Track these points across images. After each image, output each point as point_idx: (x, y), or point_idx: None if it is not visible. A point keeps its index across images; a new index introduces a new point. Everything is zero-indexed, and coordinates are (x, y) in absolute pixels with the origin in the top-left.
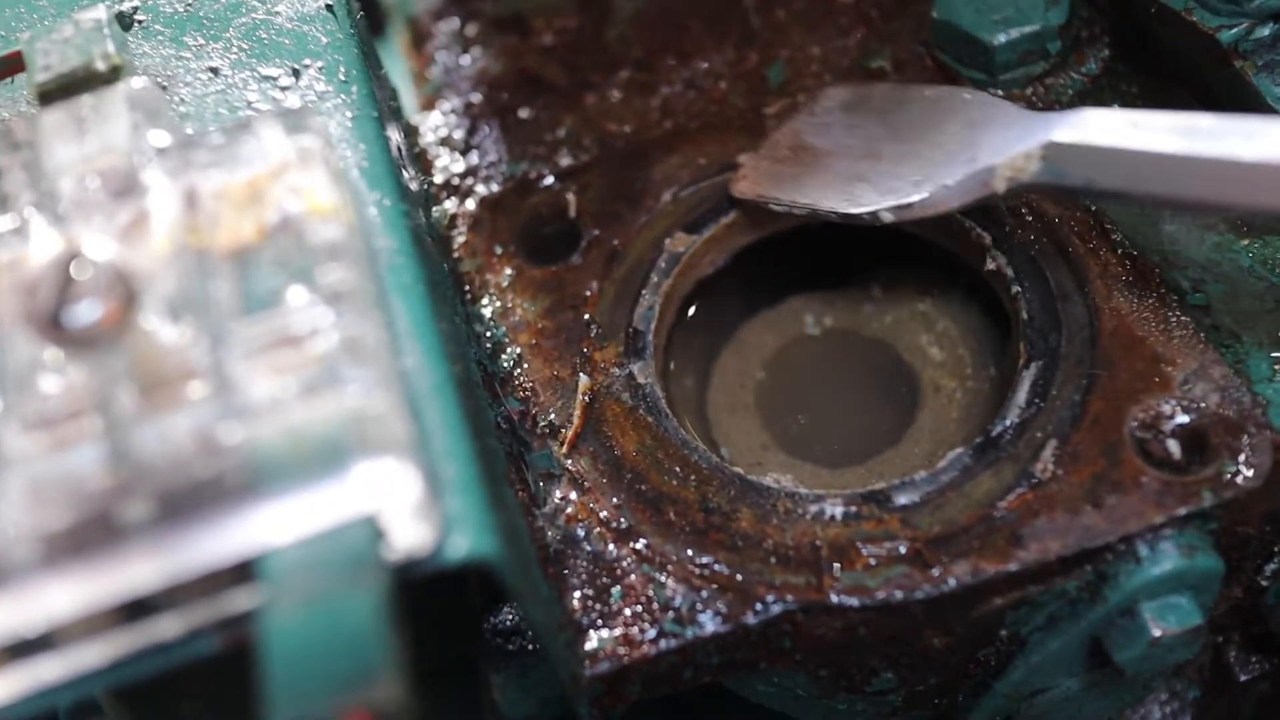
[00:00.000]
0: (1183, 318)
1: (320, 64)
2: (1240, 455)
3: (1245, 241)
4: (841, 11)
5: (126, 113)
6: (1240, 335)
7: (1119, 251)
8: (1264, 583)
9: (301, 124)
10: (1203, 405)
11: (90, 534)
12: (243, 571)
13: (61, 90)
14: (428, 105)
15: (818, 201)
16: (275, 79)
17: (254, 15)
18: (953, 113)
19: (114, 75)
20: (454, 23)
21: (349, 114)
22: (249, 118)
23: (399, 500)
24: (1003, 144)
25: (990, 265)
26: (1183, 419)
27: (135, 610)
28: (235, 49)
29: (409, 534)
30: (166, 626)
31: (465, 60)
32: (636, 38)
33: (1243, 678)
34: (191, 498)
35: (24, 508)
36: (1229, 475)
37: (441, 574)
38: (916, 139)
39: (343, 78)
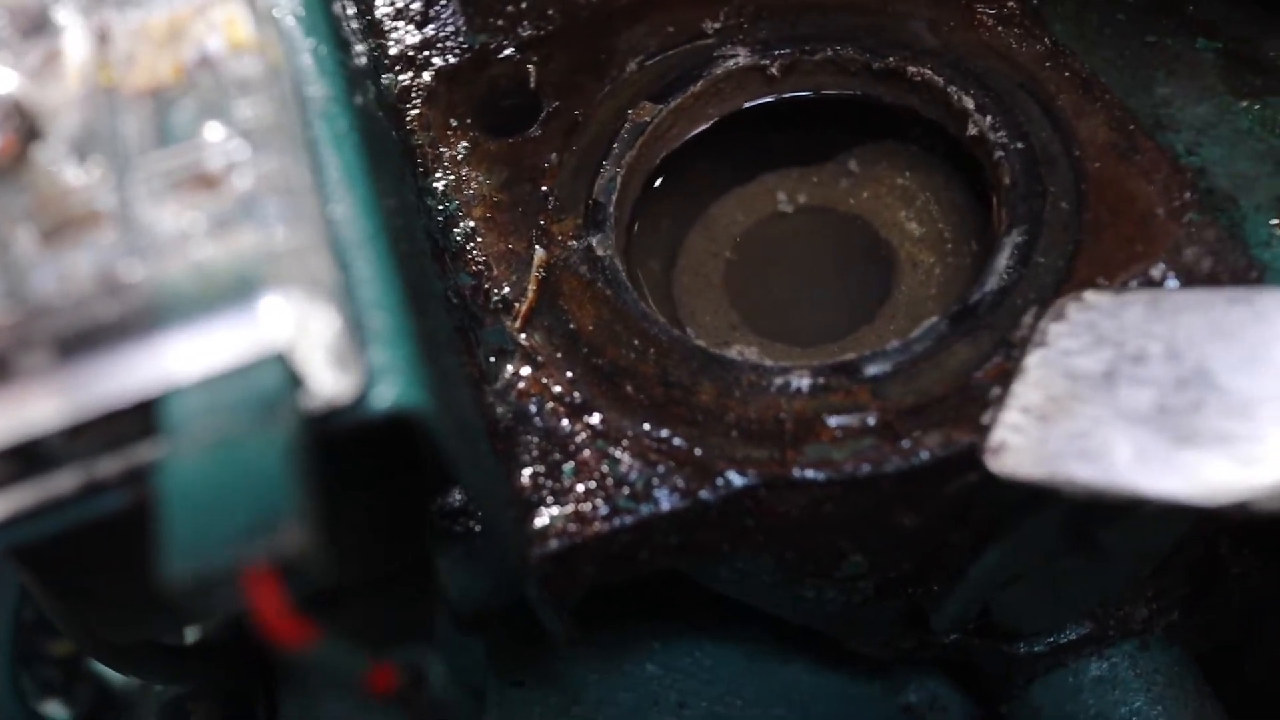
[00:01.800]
0: (1177, 178)
1: None
2: None
3: (1245, 103)
4: None
5: None
6: (1237, 199)
7: (1109, 113)
8: None
9: None
10: (1195, 269)
11: None
12: (146, 419)
13: None
14: None
15: (1153, 486)
16: None
17: None
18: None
19: None
20: None
21: None
22: None
23: (315, 340)
24: None
25: (972, 130)
26: (1173, 283)
27: (32, 461)
28: None
29: (329, 380)
30: (66, 479)
31: None
32: None
33: (1235, 570)
34: (91, 338)
35: None
36: None
37: (368, 428)
38: (1250, 375)
39: None
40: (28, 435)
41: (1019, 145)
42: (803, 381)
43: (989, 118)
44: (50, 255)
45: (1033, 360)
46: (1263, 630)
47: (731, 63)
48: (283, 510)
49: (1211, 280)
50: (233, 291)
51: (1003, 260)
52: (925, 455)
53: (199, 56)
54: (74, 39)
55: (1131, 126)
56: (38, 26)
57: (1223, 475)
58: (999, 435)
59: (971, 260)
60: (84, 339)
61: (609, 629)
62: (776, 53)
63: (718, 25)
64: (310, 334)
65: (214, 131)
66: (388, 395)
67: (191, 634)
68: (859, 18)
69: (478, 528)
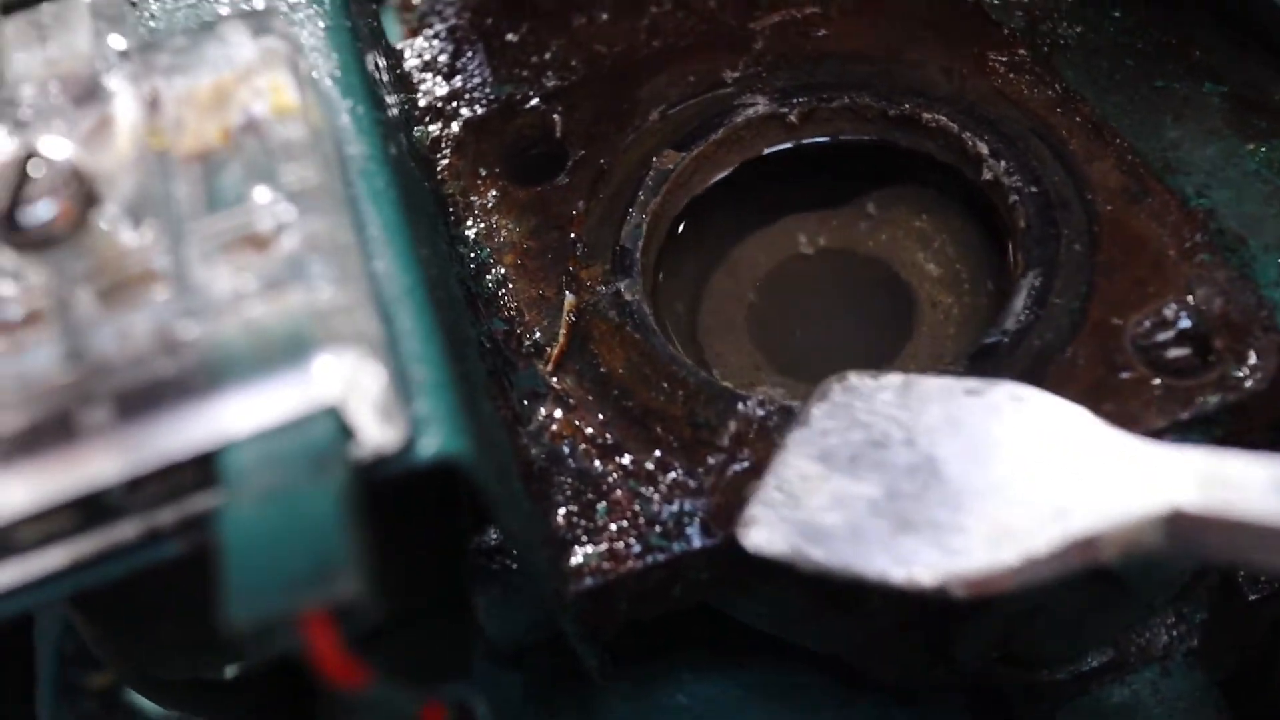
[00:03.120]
0: (1188, 220)
1: None
2: (1245, 359)
3: (1251, 145)
4: None
5: (89, 19)
6: (1246, 239)
7: (1119, 157)
8: None
9: (266, 25)
10: (1206, 309)
11: (49, 434)
12: (203, 471)
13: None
14: (413, 33)
15: (866, 566)
16: None
17: None
18: (1011, 432)
19: None
20: None
21: (321, 23)
22: (213, 21)
23: (364, 394)
24: (1104, 500)
25: (987, 175)
26: (1185, 323)
27: (95, 512)
28: None
29: (376, 432)
30: (126, 528)
31: None
32: None
33: (1252, 597)
34: (150, 395)
35: None
36: (1234, 379)
37: (413, 475)
38: (971, 469)
39: None
40: (90, 489)
41: (1033, 189)
42: None
43: (1003, 162)
44: (109, 316)
45: (792, 438)
46: None
47: (751, 111)
48: (337, 557)
49: (1223, 320)
50: (284, 348)
51: (1019, 302)
52: None
53: (245, 120)
54: (124, 105)
55: (1142, 170)
56: (90, 93)
57: (927, 562)
58: (751, 510)
59: (988, 301)
60: (143, 396)
61: (642, 661)
62: (795, 101)
63: (737, 75)
64: (359, 387)
65: (262, 194)
66: (433, 444)
67: (231, 669)
68: (874, 66)
69: (514, 565)
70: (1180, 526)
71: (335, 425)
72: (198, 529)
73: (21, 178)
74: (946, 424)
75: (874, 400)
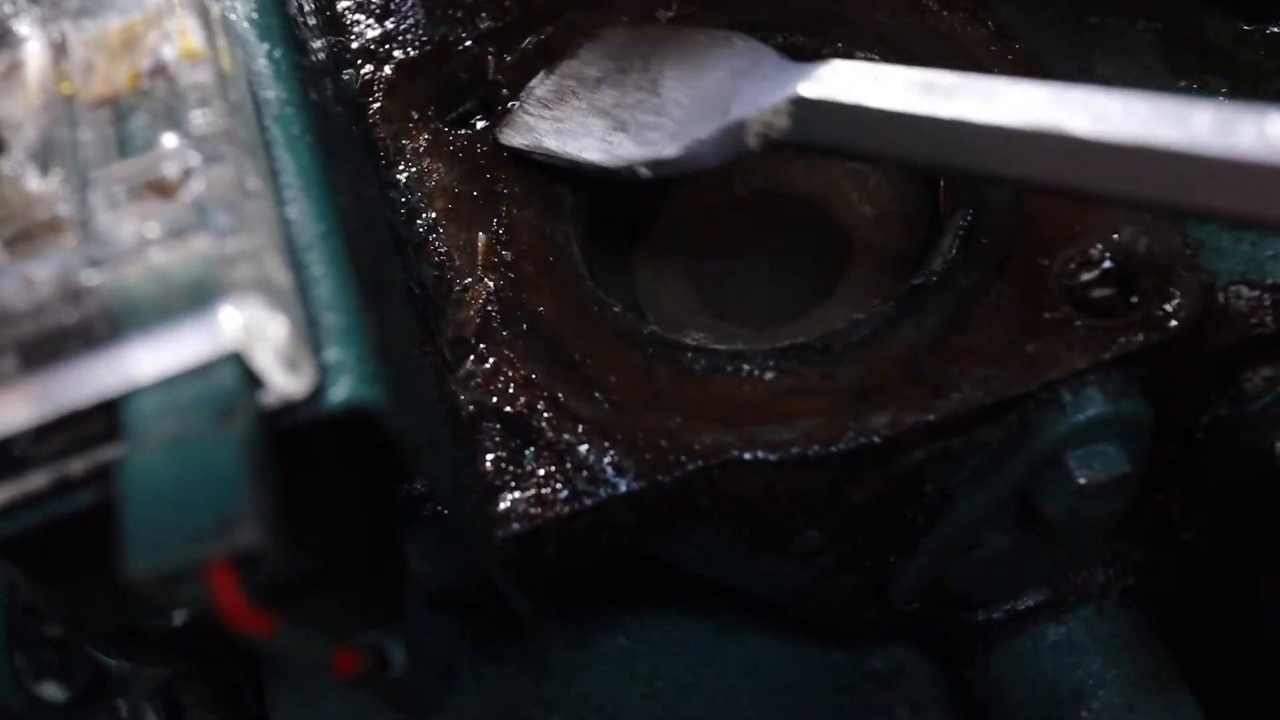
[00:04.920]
0: None
1: None
2: (1169, 297)
3: (1183, 82)
4: None
5: None
6: None
7: None
8: (1200, 435)
9: None
10: (1131, 248)
11: None
12: (111, 420)
13: None
14: None
15: (578, 153)
16: None
17: None
18: (716, 60)
19: None
20: None
21: None
22: None
23: (269, 341)
24: (755, 97)
25: None
26: (1110, 263)
27: (2, 462)
28: None
29: (284, 379)
30: (37, 478)
31: None
32: None
33: (1185, 535)
34: (54, 343)
35: None
36: (1157, 318)
37: (327, 423)
38: (679, 89)
39: None
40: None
41: None
42: (754, 364)
43: None
44: (13, 264)
45: (561, 67)
46: (1218, 591)
47: None
48: (238, 506)
49: (1147, 260)
50: (188, 295)
51: (947, 243)
52: (873, 436)
53: (154, 65)
54: (33, 50)
55: None
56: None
57: (625, 150)
58: (511, 115)
59: (922, 241)
60: (46, 344)
61: (584, 605)
62: None
63: (671, 14)
64: (265, 335)
65: (169, 140)
66: (342, 391)
67: (178, 618)
68: (807, 3)
69: (444, 511)
70: (801, 110)
71: (239, 373)
72: (108, 478)
73: None
74: (678, 57)
75: (634, 40)
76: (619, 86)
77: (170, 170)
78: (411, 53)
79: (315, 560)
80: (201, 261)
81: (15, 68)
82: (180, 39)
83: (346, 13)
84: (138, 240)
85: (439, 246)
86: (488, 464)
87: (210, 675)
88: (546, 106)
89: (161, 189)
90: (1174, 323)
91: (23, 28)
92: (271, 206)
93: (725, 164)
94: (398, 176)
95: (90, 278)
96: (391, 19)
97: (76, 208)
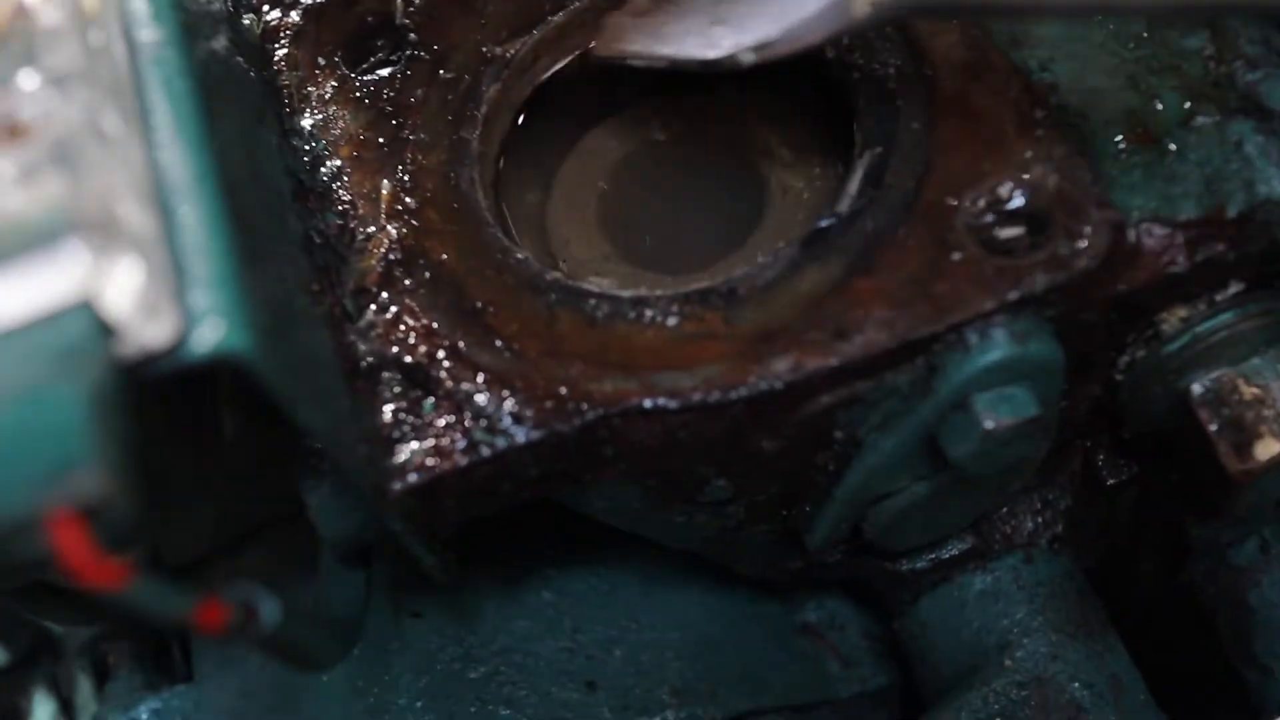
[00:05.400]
0: (1028, 95)
1: None
2: (1078, 236)
3: (1099, 16)
4: None
5: None
6: (1088, 114)
7: (963, 31)
8: (1118, 377)
9: None
10: (1040, 186)
11: None
12: None
13: None
14: None
15: (677, 50)
16: None
17: None
18: None
19: None
20: None
21: None
22: None
23: (123, 288)
24: None
25: (830, 53)
26: (1019, 201)
27: None
28: None
29: (143, 327)
30: None
31: None
32: None
33: (1111, 481)
34: None
35: None
36: (1064, 256)
37: (189, 371)
38: None
39: None
40: None
41: (874, 66)
42: (657, 311)
43: (845, 39)
44: None
45: None
46: (1146, 538)
47: None
48: (81, 455)
49: (1057, 198)
50: (37, 240)
51: (854, 184)
52: (775, 380)
53: (15, 5)
54: None
55: (985, 44)
56: None
57: (728, 40)
58: (609, 24)
59: (838, 184)
60: None
61: (508, 559)
62: None
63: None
64: (116, 281)
65: (26, 79)
66: (208, 339)
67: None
68: None
69: None
70: None
71: (88, 320)
72: None
73: None
74: None
75: None
76: None
77: (26, 111)
78: None
79: (230, 510)
80: (53, 204)
81: None
82: None
83: None
84: None
85: (342, 195)
86: (386, 415)
87: (134, 633)
88: (641, 13)
89: (17, 130)
90: (1082, 261)
91: None
92: (137, 149)
93: (833, 38)
94: (302, 124)
95: None
96: None
97: None
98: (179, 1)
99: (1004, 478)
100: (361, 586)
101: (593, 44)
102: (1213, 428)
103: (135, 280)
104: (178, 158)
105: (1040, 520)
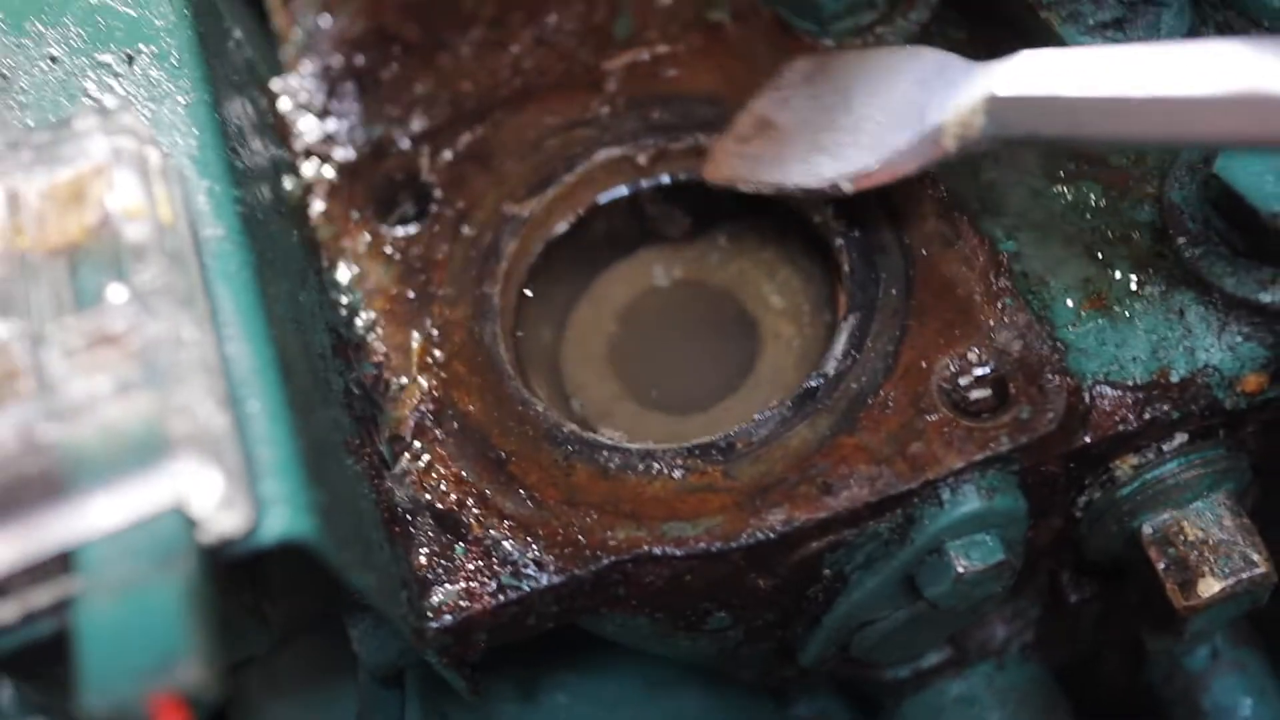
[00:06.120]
0: (994, 265)
1: (154, 49)
2: (1037, 401)
3: (1058, 188)
4: None
5: None
6: (1047, 280)
7: (937, 200)
8: (1078, 514)
9: (117, 124)
10: (1005, 352)
11: None
12: (66, 563)
13: None
14: (290, 67)
15: (782, 179)
16: (110, 65)
17: None
18: (903, 73)
19: None
20: None
21: (181, 100)
22: (70, 118)
23: (207, 490)
24: (948, 101)
25: (817, 218)
26: (985, 368)
27: None
28: (74, 35)
29: (221, 520)
30: (3, 611)
31: (325, 21)
32: None
33: (1073, 599)
34: (15, 492)
35: None
36: (1025, 421)
37: (261, 554)
38: (871, 104)
39: (175, 63)
40: None
41: (856, 233)
42: (664, 464)
43: (831, 206)
44: None
45: (755, 102)
46: (1109, 645)
47: (604, 153)
48: (181, 647)
49: (1019, 364)
50: (135, 451)
51: (839, 345)
52: (769, 531)
53: (100, 218)
54: None
55: (956, 214)
56: None
57: (827, 169)
58: (711, 151)
59: (826, 332)
60: (10, 492)
61: (529, 663)
62: (644, 143)
63: (591, 115)
64: (204, 482)
65: (116, 293)
66: (276, 527)
67: None
68: (716, 108)
69: None
70: (996, 108)
71: (181, 522)
72: (68, 608)
73: None
74: (861, 73)
75: (824, 66)
76: (812, 111)
77: (116, 325)
78: (351, 153)
79: (271, 637)
80: (145, 418)
81: None
82: (122, 194)
83: (289, 114)
84: (89, 396)
85: (377, 346)
86: (421, 558)
87: None
88: (745, 141)
89: (110, 342)
90: (1043, 425)
91: None
92: (210, 349)
93: (926, 168)
94: (339, 278)
95: (48, 432)
96: (332, 119)
97: (32, 359)
98: (238, 194)
99: (972, 609)
100: (398, 705)
101: (703, 169)
102: (1161, 565)
103: (217, 480)
104: (243, 350)
105: (1010, 629)
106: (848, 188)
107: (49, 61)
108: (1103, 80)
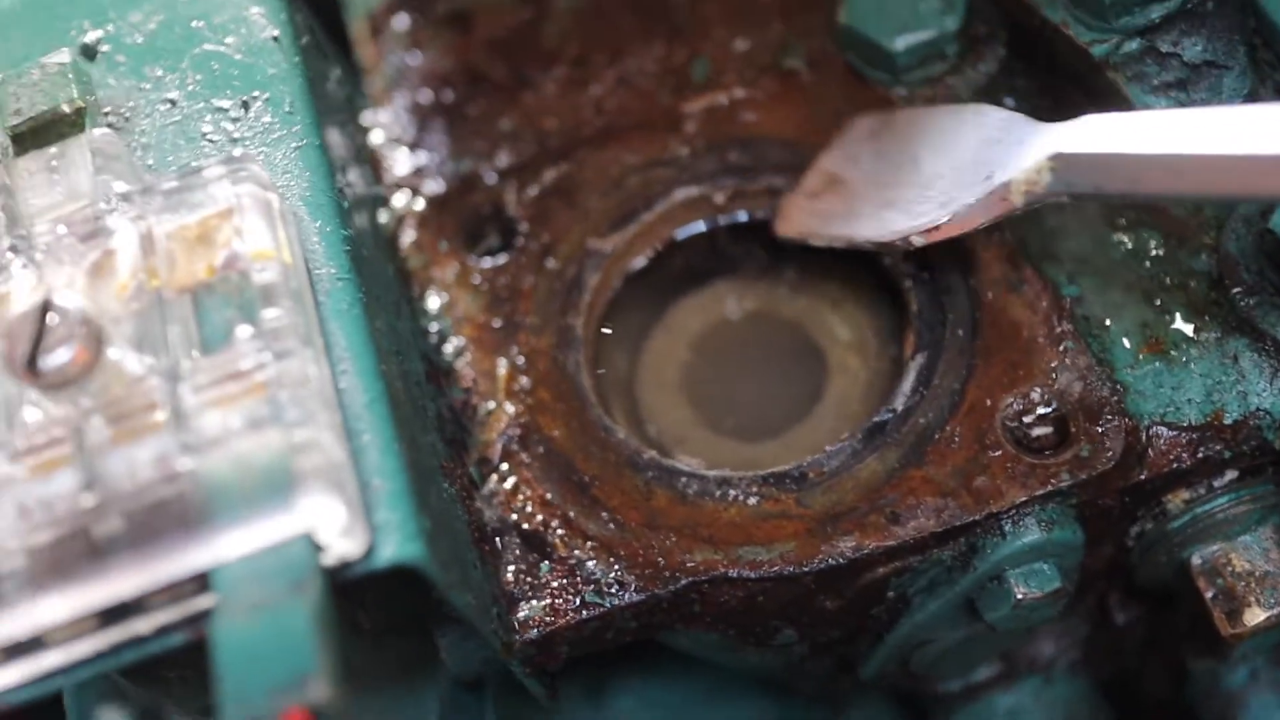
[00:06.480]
0: (1056, 309)
1: (267, 95)
2: (1096, 440)
3: (1118, 236)
4: (761, 9)
5: (90, 158)
6: (1107, 323)
7: (1003, 245)
8: (1130, 543)
9: (243, 172)
10: (1066, 393)
11: (71, 549)
12: (200, 581)
13: (32, 131)
14: (380, 102)
15: (854, 233)
16: (226, 110)
17: (206, 46)
18: (970, 131)
19: (79, 116)
20: (404, 20)
21: (294, 145)
22: (199, 166)
23: (331, 518)
24: (1014, 159)
25: (887, 260)
26: (1048, 407)
27: (113, 614)
28: (190, 81)
29: (342, 545)
30: (141, 625)
31: (413, 58)
32: (574, 33)
33: (1121, 620)
34: (155, 517)
35: (13, 527)
36: (1085, 458)
37: (375, 578)
38: (939, 161)
39: (288, 109)
40: (107, 604)
41: (925, 275)
42: (739, 490)
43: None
44: (119, 446)
45: (823, 159)
46: (1152, 663)
47: (682, 191)
48: (312, 665)
49: (1079, 404)
50: (266, 483)
51: (908, 383)
52: (839, 558)
53: (228, 258)
54: (124, 243)
55: (1020, 259)
56: (93, 232)
57: (898, 224)
58: (780, 206)
59: (890, 364)
60: (149, 520)
61: (596, 668)
62: (721, 183)
63: (670, 156)
64: (329, 511)
65: (244, 332)
66: (390, 551)
67: None
68: (791, 151)
69: None
70: (1062, 165)
71: (309, 549)
72: (197, 622)
73: (41, 326)
74: (928, 130)
75: (888, 123)
76: (880, 168)
77: (245, 364)
78: (440, 186)
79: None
80: (274, 452)
81: (109, 258)
82: (249, 238)
83: (380, 148)
84: (221, 430)
85: (466, 372)
86: (509, 575)
87: None
88: (815, 196)
89: (238, 379)
90: (1101, 463)
91: (114, 222)
92: (328, 385)
93: (992, 222)
94: (429, 306)
95: (184, 463)
96: (422, 152)
97: (168, 396)
98: (347, 234)
99: (1024, 630)
100: (480, 709)
101: (774, 223)
102: (1209, 595)
103: (339, 509)
104: (356, 384)
105: (1059, 646)
106: (919, 241)
107: (168, 104)
108: (1165, 138)
